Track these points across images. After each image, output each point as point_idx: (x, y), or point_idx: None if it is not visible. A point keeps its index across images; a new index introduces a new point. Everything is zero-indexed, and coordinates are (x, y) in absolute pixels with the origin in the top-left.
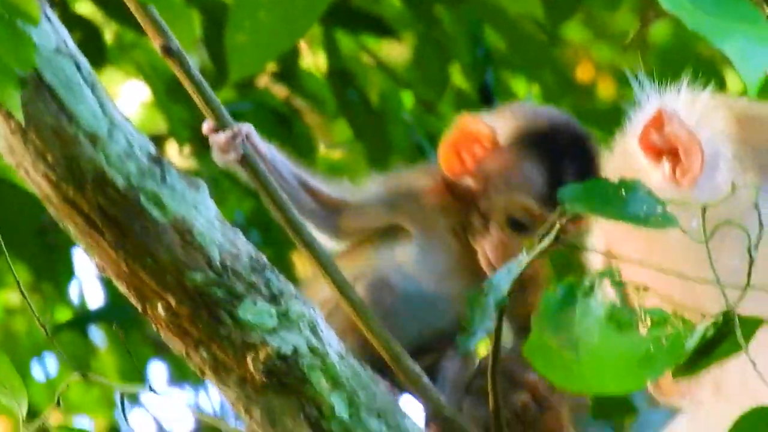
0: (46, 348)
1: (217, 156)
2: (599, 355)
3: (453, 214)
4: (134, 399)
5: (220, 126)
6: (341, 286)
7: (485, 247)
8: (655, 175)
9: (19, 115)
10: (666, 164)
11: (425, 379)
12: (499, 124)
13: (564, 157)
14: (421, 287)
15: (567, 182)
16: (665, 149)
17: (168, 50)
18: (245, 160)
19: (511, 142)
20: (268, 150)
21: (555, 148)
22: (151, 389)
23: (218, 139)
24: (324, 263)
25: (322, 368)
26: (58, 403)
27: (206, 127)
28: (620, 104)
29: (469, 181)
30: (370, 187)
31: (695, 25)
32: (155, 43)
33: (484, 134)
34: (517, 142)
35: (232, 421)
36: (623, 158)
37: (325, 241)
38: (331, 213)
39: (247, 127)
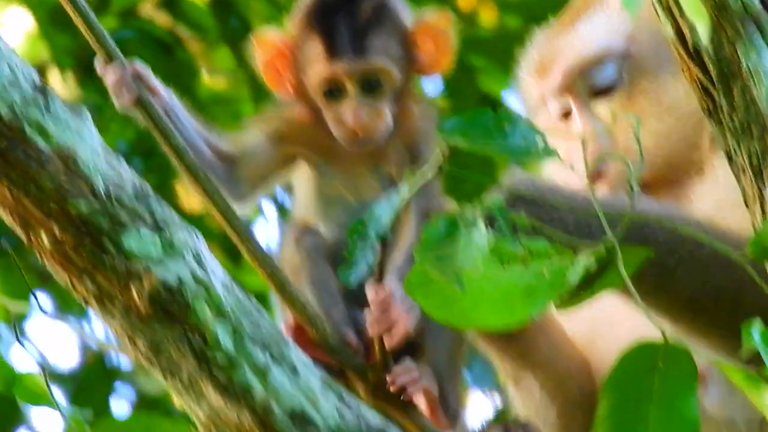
0: None
1: (114, 100)
2: (481, 288)
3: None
4: (20, 331)
5: (108, 60)
6: (226, 214)
7: (332, 125)
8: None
9: None
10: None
11: (310, 307)
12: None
13: (336, 14)
14: (344, 205)
15: (344, 34)
16: None
17: None
18: (139, 102)
19: (294, 34)
20: (168, 95)
21: (323, 13)
22: (42, 310)
23: (108, 76)
24: (210, 192)
25: (206, 298)
26: None
27: (98, 64)
28: (502, 31)
29: (292, 86)
30: (250, 133)
31: None
32: None
33: (276, 41)
34: (297, 31)
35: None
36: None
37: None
38: (227, 166)
39: (140, 66)
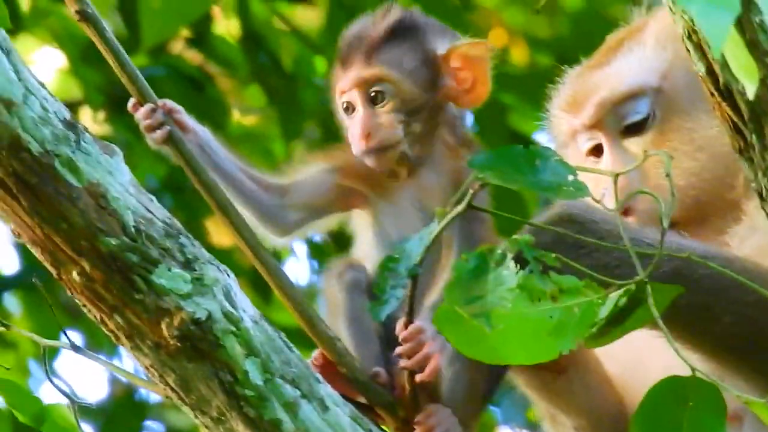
0: None
1: (147, 138)
2: (510, 324)
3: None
4: (50, 367)
5: (140, 98)
6: (256, 250)
7: (349, 141)
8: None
9: None
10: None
11: (340, 343)
12: None
13: (356, 35)
14: (392, 241)
15: (356, 49)
16: None
17: (84, 15)
18: (171, 140)
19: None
20: (202, 131)
21: (347, 37)
22: (72, 346)
23: (140, 115)
24: (240, 228)
25: (236, 333)
26: None
27: (131, 104)
28: (533, 69)
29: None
30: (311, 162)
31: None
32: (71, 8)
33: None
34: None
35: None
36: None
37: (268, 235)
38: (273, 196)
39: (172, 104)
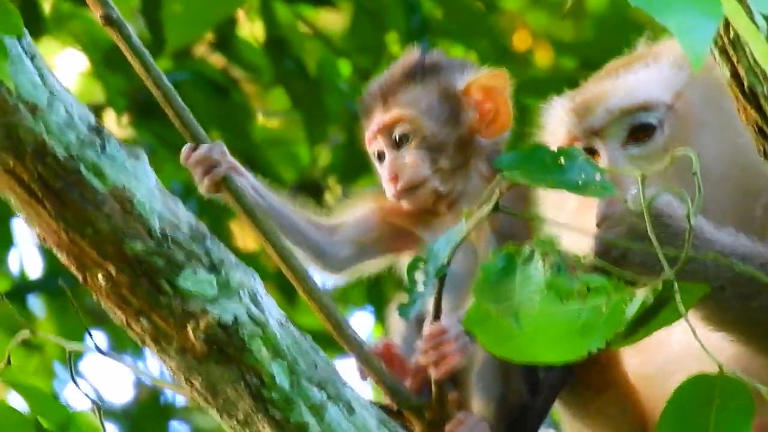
0: None
1: (199, 186)
2: (539, 323)
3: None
4: (75, 369)
5: (194, 144)
6: (282, 253)
7: (383, 186)
8: None
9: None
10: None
11: (367, 347)
12: None
13: (376, 83)
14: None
15: (375, 96)
16: None
17: (109, 19)
18: (225, 183)
19: None
20: (251, 176)
21: (365, 90)
22: (98, 349)
23: (197, 156)
24: (267, 231)
25: (262, 337)
26: (9, 361)
27: (184, 152)
28: (557, 72)
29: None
30: (359, 204)
31: None
32: (96, 12)
33: None
34: None
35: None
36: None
37: (323, 272)
38: (325, 234)
39: (223, 145)
